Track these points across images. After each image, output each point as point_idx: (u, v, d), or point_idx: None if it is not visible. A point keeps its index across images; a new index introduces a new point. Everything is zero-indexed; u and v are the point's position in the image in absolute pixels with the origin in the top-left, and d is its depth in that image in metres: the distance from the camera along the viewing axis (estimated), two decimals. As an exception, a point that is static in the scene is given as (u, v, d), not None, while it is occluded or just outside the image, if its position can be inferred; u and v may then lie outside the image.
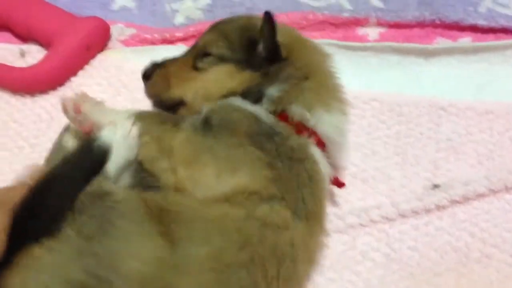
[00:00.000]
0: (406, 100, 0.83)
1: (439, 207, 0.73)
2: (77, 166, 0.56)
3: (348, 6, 0.95)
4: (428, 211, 0.73)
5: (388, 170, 0.78)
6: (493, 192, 0.74)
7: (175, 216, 0.54)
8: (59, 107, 0.66)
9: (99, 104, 0.65)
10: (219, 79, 0.67)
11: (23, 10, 0.94)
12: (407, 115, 0.82)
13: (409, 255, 0.71)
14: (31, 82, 0.88)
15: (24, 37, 0.96)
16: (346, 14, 0.93)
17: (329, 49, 0.80)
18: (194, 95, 0.68)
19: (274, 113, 0.65)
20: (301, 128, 0.66)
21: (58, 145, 0.69)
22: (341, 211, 0.74)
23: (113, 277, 0.48)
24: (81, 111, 0.63)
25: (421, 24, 0.93)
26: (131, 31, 0.94)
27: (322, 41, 0.88)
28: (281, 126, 0.65)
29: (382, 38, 0.92)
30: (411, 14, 0.93)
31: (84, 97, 0.65)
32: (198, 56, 0.70)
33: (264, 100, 0.65)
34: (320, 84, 0.68)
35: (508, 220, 0.72)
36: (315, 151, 0.66)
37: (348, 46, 0.90)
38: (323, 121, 0.67)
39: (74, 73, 0.89)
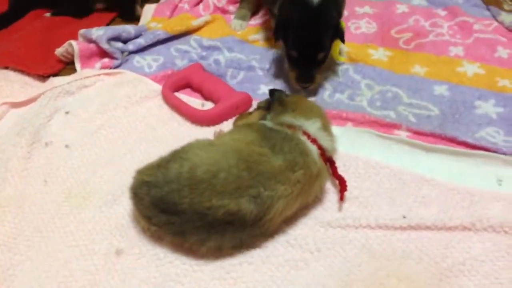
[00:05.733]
0: (406, 172, 1.33)
1: (402, 228, 1.20)
2: None
3: (393, 115, 1.50)
4: (395, 228, 1.20)
5: (382, 205, 1.26)
6: (436, 227, 1.19)
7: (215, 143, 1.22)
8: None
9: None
10: (255, 115, 1.36)
11: (208, 84, 1.63)
12: (404, 180, 1.31)
13: (376, 246, 1.17)
14: (204, 119, 1.53)
15: (205, 97, 1.64)
16: (388, 120, 1.48)
17: (372, 136, 1.41)
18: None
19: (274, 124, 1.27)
20: (291, 126, 1.24)
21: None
22: (345, 216, 1.23)
23: (184, 154, 1.15)
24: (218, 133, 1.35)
25: (433, 135, 1.43)
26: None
27: (370, 130, 1.46)
28: (279, 127, 1.24)
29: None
30: (430, 130, 1.44)
31: (220, 130, 1.39)
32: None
33: (267, 120, 1.29)
34: (303, 111, 1.29)
35: (433, 241, 1.18)
36: (302, 137, 1.21)
37: (382, 136, 1.43)
38: (305, 124, 1.25)
39: (226, 119, 1.52)
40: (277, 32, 1.58)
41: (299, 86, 1.60)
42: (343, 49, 1.79)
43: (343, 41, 1.61)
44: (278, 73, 1.73)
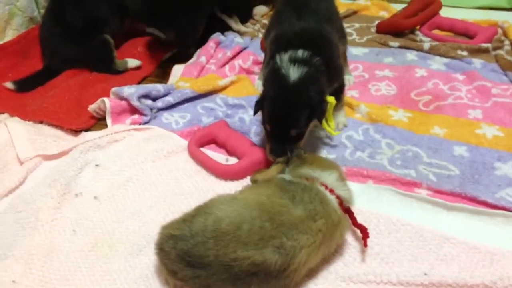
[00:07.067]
0: (427, 229, 1.34)
1: (423, 285, 1.20)
2: None
3: (414, 174, 1.53)
4: (416, 285, 1.21)
5: (403, 261, 1.27)
6: (457, 285, 1.19)
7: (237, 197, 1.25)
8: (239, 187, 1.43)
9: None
10: (274, 169, 1.39)
11: (232, 140, 1.69)
12: (425, 237, 1.32)
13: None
14: (228, 173, 1.59)
15: (229, 153, 1.69)
16: (409, 178, 1.51)
17: (392, 193, 1.44)
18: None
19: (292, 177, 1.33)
20: (308, 178, 1.30)
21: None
22: (366, 272, 1.25)
23: (208, 209, 1.18)
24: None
25: (454, 194, 1.45)
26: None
27: (391, 188, 1.49)
28: (297, 179, 1.31)
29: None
30: (450, 189, 1.46)
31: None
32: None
33: (286, 173, 1.33)
34: (320, 164, 1.37)
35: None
36: (321, 188, 1.27)
37: (403, 193, 1.46)
38: (322, 176, 1.32)
39: (249, 174, 1.55)
40: (256, 105, 1.57)
41: (271, 158, 1.53)
42: (363, 110, 1.84)
43: (320, 121, 1.53)
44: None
